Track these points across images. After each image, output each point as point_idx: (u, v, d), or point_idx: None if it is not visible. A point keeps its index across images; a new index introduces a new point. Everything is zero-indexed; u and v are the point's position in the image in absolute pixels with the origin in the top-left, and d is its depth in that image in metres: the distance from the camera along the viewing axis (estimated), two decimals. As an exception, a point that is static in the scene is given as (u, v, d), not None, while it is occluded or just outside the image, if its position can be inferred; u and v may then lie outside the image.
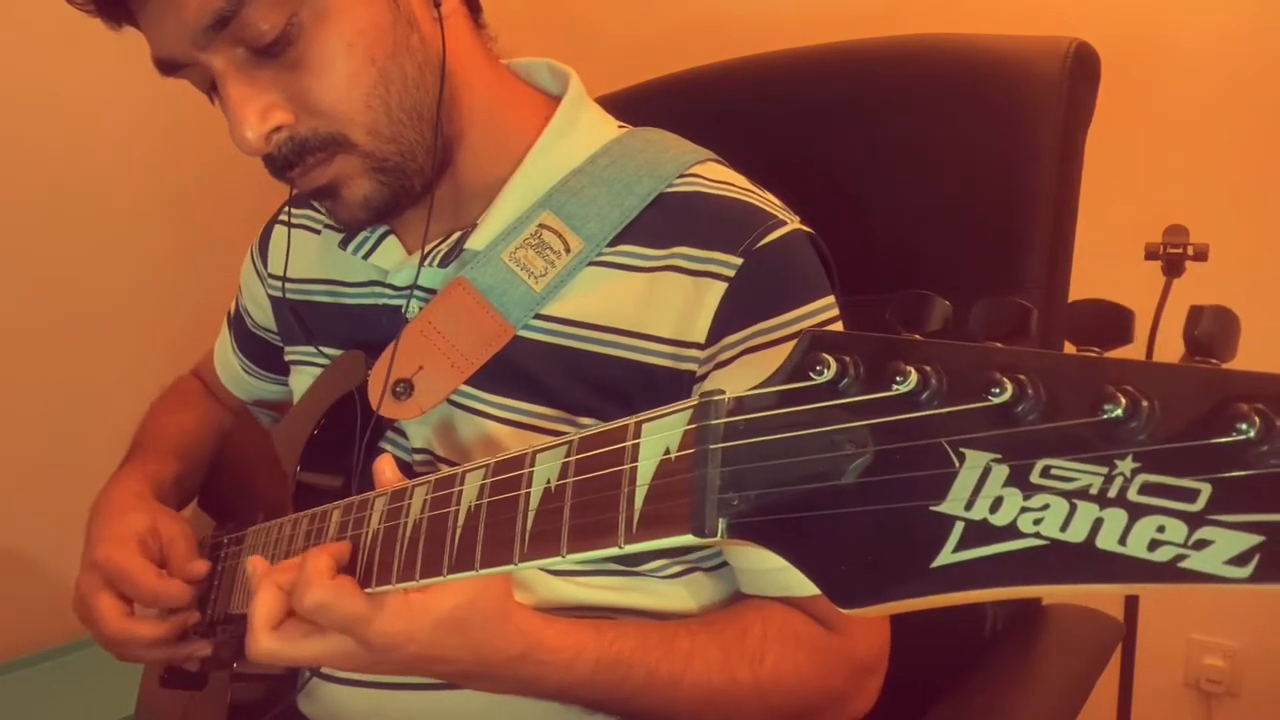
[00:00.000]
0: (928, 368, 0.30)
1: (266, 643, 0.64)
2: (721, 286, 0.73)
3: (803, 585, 0.73)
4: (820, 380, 0.33)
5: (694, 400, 0.39)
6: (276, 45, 0.69)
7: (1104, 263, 1.09)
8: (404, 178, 0.76)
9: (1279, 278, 1.47)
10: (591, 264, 0.76)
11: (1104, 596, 1.35)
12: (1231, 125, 1.51)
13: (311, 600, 0.61)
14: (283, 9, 0.68)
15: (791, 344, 0.71)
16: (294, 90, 0.71)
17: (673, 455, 0.39)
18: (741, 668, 0.71)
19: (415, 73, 0.73)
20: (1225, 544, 0.25)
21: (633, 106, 0.95)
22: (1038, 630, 0.93)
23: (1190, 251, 1.30)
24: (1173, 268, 1.31)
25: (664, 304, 0.74)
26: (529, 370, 0.77)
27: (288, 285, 0.94)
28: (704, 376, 0.73)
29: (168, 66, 0.73)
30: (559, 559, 0.44)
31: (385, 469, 0.67)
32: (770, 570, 0.74)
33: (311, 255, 0.94)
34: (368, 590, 0.61)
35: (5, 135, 1.55)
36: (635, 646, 0.69)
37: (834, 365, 0.32)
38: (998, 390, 0.29)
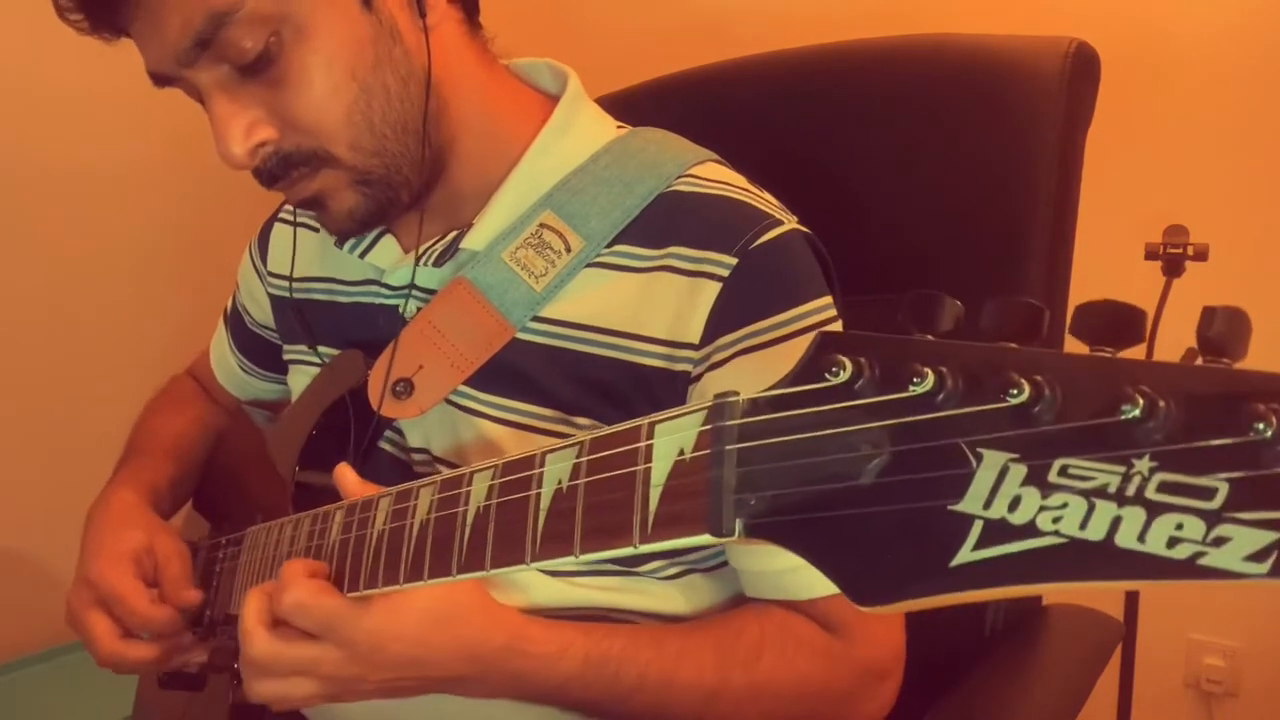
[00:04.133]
0: (944, 368, 0.31)
1: (262, 642, 0.64)
2: (716, 286, 0.73)
3: (803, 588, 0.73)
4: (836, 381, 0.33)
5: (708, 402, 0.40)
6: (259, 63, 0.70)
7: (1104, 263, 1.09)
8: (390, 190, 0.76)
9: (1279, 278, 1.48)
10: (589, 266, 0.76)
11: (1116, 593, 1.35)
12: (1231, 125, 1.51)
13: (290, 599, 0.62)
14: (264, 27, 0.69)
15: (787, 344, 0.71)
16: (277, 106, 0.72)
17: (687, 456, 0.39)
18: (735, 669, 0.70)
19: (398, 86, 0.74)
20: (1243, 541, 0.25)
21: (633, 106, 0.95)
22: (1038, 630, 0.93)
23: (1190, 251, 1.30)
24: (1173, 268, 1.31)
25: (658, 304, 0.74)
26: (525, 371, 0.77)
27: (285, 283, 0.94)
28: (699, 377, 0.73)
29: (159, 80, 0.74)
30: (572, 559, 0.44)
31: (346, 478, 0.69)
32: (771, 572, 0.74)
33: (311, 253, 0.94)
34: (366, 591, 0.61)
35: (4, 135, 1.55)
36: (625, 645, 0.69)
37: (849, 366, 0.33)
38: (1015, 391, 0.29)
